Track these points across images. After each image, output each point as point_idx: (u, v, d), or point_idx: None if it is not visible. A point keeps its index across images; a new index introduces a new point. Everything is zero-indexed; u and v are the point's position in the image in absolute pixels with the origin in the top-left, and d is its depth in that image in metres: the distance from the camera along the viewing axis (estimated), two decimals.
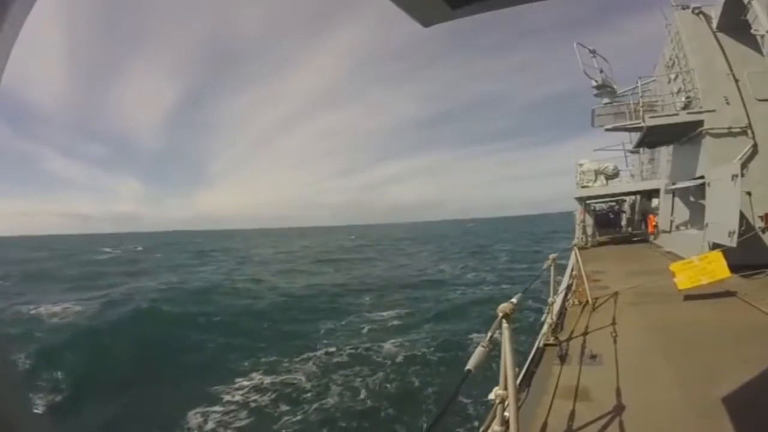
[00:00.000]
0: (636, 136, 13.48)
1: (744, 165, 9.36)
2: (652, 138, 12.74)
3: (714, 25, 10.83)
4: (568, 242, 16.27)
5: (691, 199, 12.26)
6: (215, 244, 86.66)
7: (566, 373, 4.30)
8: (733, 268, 6.74)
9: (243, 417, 9.77)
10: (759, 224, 8.92)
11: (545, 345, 5.26)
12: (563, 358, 4.74)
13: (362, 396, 10.37)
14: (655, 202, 16.65)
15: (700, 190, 10.39)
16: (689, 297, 6.68)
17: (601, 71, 12.78)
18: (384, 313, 18.49)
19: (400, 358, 12.52)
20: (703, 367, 4.05)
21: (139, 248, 74.40)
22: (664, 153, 15.08)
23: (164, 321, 17.46)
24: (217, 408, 10.14)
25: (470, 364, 2.22)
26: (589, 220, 18.59)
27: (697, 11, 11.30)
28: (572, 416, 3.38)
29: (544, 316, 6.17)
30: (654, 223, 15.78)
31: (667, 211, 14.15)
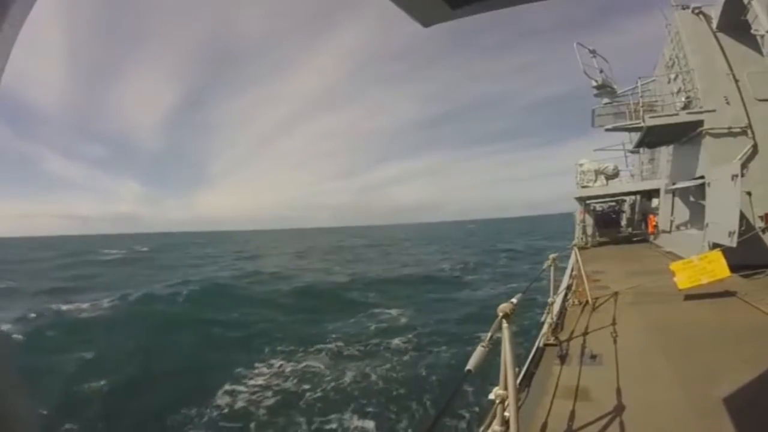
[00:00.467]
0: (636, 136, 13.49)
1: (744, 165, 9.36)
2: (652, 138, 12.74)
3: (714, 25, 10.84)
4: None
5: (691, 199, 12.27)
6: (222, 247, 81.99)
7: (566, 373, 4.30)
8: (733, 268, 6.74)
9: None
10: (759, 224, 8.92)
11: (545, 345, 5.26)
12: (563, 358, 4.73)
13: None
14: (655, 202, 16.66)
15: (700, 190, 10.40)
16: (689, 297, 6.69)
17: (601, 71, 12.78)
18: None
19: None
20: (703, 367, 4.05)
21: (144, 248, 74.93)
22: (664, 153, 15.09)
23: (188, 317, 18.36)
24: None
25: (470, 364, 2.22)
26: (589, 220, 18.59)
27: (697, 11, 11.31)
28: (572, 416, 3.38)
29: (544, 316, 6.18)
30: (654, 223, 15.78)
31: (667, 211, 14.15)
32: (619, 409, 3.39)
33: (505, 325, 2.66)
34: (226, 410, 9.92)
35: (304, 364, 12.70)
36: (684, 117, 10.70)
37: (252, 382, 11.54)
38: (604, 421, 3.24)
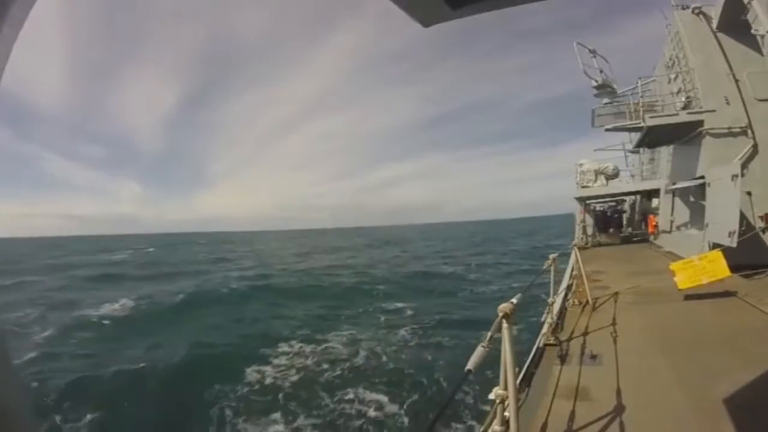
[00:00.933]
0: (636, 136, 13.49)
1: (744, 165, 9.36)
2: (652, 138, 12.74)
3: (714, 25, 10.84)
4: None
5: (691, 199, 12.26)
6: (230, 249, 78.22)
7: (566, 373, 4.30)
8: (734, 268, 6.74)
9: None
10: (759, 224, 8.92)
11: (545, 345, 5.26)
12: (563, 358, 4.73)
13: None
14: (655, 202, 16.66)
15: (700, 190, 10.39)
16: (689, 297, 6.69)
17: (601, 71, 12.79)
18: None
19: None
20: (703, 367, 4.05)
21: (150, 249, 75.72)
22: (664, 153, 15.09)
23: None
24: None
25: (470, 364, 2.22)
26: (589, 220, 18.58)
27: (697, 11, 11.32)
28: (572, 416, 3.38)
29: (544, 316, 6.17)
30: (654, 223, 15.77)
31: (667, 211, 14.15)
32: (619, 409, 3.39)
33: (505, 325, 2.66)
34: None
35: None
36: (684, 117, 10.70)
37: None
38: (604, 421, 3.24)
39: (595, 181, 18.17)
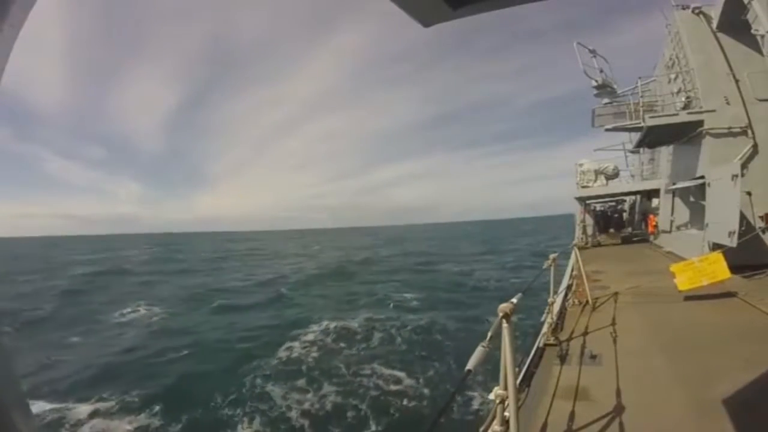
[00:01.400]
0: (636, 136, 13.49)
1: (744, 165, 9.36)
2: (652, 138, 12.74)
3: (714, 25, 10.83)
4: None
5: (691, 199, 12.26)
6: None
7: (566, 373, 4.30)
8: (734, 268, 6.74)
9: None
10: (759, 224, 8.92)
11: (545, 345, 5.26)
12: (563, 358, 4.73)
13: None
14: (655, 202, 16.66)
15: (700, 190, 10.39)
16: (689, 297, 6.68)
17: (601, 71, 12.79)
18: None
19: None
20: (703, 368, 4.04)
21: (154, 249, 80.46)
22: (664, 153, 15.08)
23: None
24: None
25: (470, 364, 2.22)
26: (589, 220, 18.58)
27: (697, 11, 11.31)
28: (572, 416, 3.38)
29: (544, 316, 6.17)
30: (654, 223, 15.77)
31: (667, 211, 14.15)
32: (619, 409, 3.39)
33: (505, 325, 2.66)
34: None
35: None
36: (684, 117, 10.70)
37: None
38: (603, 421, 3.24)
39: (595, 181, 18.18)
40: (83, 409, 9.88)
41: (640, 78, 12.98)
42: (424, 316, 17.64)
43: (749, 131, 9.85)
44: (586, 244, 17.04)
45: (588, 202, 19.02)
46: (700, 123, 10.40)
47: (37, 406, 9.79)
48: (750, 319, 5.45)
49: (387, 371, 11.57)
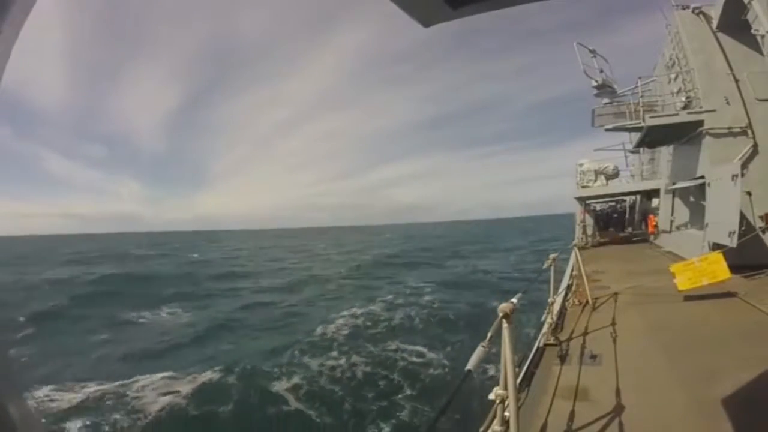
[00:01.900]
0: (636, 136, 13.48)
1: (744, 165, 9.35)
2: (652, 138, 12.73)
3: (714, 25, 10.82)
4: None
5: (691, 199, 12.26)
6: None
7: (566, 373, 4.30)
8: (734, 268, 6.73)
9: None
10: (759, 224, 8.91)
11: (545, 345, 5.26)
12: (563, 358, 4.73)
13: None
14: (655, 202, 16.66)
15: (700, 190, 10.39)
16: (689, 297, 6.68)
17: (601, 71, 12.77)
18: None
19: None
20: (703, 367, 4.04)
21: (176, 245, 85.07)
22: (664, 153, 15.08)
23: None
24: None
25: (470, 364, 2.22)
26: (589, 220, 18.58)
27: (697, 11, 11.30)
28: (572, 416, 3.38)
29: (544, 316, 6.17)
30: (654, 223, 15.77)
31: (667, 211, 14.15)
32: (619, 409, 3.39)
33: (505, 325, 2.66)
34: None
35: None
36: (684, 117, 10.69)
37: None
38: (603, 421, 3.24)
39: (595, 181, 18.17)
40: None
41: (640, 78, 12.96)
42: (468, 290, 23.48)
43: (749, 131, 9.84)
44: (586, 244, 17.04)
45: (588, 202, 19.01)
46: (700, 123, 10.39)
47: None
48: (750, 319, 5.45)
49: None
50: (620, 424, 3.17)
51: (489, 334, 2.45)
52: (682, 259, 9.15)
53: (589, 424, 3.25)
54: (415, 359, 12.64)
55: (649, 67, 15.37)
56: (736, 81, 10.19)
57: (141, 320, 20.08)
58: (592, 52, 12.76)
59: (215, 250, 74.66)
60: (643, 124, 11.47)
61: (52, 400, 10.46)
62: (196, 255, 59.88)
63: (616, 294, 7.51)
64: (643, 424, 3.18)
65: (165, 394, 10.55)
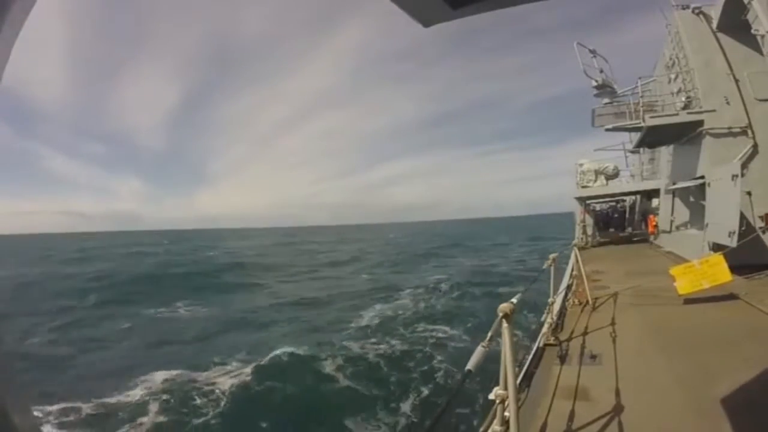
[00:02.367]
0: (636, 136, 13.48)
1: (744, 165, 9.34)
2: (652, 138, 12.73)
3: (714, 25, 10.82)
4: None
5: (691, 199, 12.25)
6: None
7: (566, 373, 4.30)
8: (734, 268, 6.71)
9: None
10: (759, 224, 8.91)
11: (545, 345, 5.26)
12: (563, 358, 4.73)
13: None
14: (655, 202, 16.65)
15: (700, 190, 10.39)
16: (689, 297, 6.67)
17: (601, 71, 12.76)
18: None
19: None
20: (703, 368, 4.04)
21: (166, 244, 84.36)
22: (664, 153, 15.08)
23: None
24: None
25: (470, 364, 2.22)
26: (589, 220, 18.58)
27: (697, 11, 11.29)
28: (572, 416, 3.38)
29: (544, 316, 6.17)
30: (654, 223, 15.77)
31: (667, 211, 14.14)
32: (619, 409, 3.39)
33: (505, 325, 2.66)
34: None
35: None
36: (684, 117, 10.69)
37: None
38: (603, 421, 3.24)
39: (595, 181, 18.17)
40: None
41: (640, 78, 12.96)
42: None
43: (749, 131, 9.84)
44: (586, 244, 17.05)
45: (588, 202, 19.01)
46: (700, 123, 10.39)
47: None
48: (750, 320, 5.45)
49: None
50: (620, 424, 3.17)
51: (489, 334, 2.45)
52: (682, 259, 9.16)
53: (589, 424, 3.25)
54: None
55: (649, 67, 15.37)
56: (736, 81, 10.18)
57: (253, 290, 27.31)
58: (592, 52, 12.75)
59: (251, 245, 77.83)
60: (643, 124, 11.46)
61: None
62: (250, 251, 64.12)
63: (616, 294, 7.50)
64: (642, 424, 3.18)
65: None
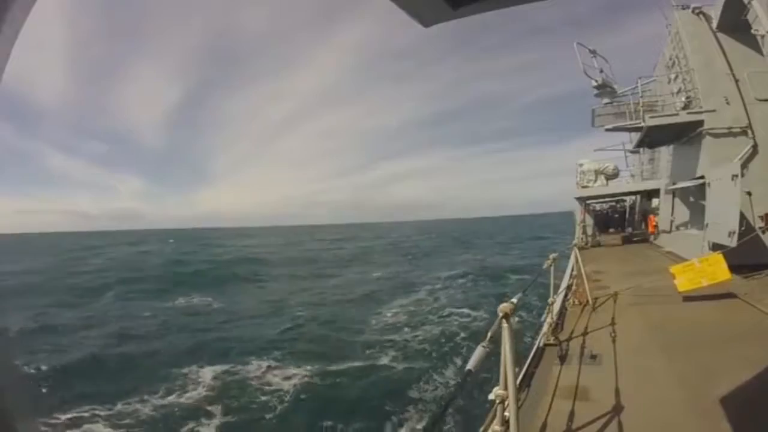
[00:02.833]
0: (636, 136, 13.48)
1: (744, 165, 9.35)
2: (652, 138, 12.74)
3: (714, 25, 10.82)
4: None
5: (691, 199, 12.25)
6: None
7: (566, 373, 4.31)
8: (733, 268, 6.72)
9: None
10: (759, 224, 8.91)
11: (545, 345, 5.27)
12: (563, 358, 4.74)
13: None
14: (655, 202, 16.65)
15: (700, 190, 10.39)
16: (689, 297, 6.68)
17: (601, 71, 12.77)
18: None
19: None
20: (703, 367, 4.04)
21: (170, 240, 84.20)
22: (664, 153, 15.08)
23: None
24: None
25: (470, 364, 2.22)
26: (589, 220, 18.58)
27: (697, 11, 11.30)
28: (572, 416, 3.38)
29: (544, 316, 6.18)
30: (654, 223, 15.77)
31: (667, 211, 14.15)
32: (619, 409, 3.39)
33: (505, 325, 2.66)
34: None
35: None
36: (684, 117, 10.69)
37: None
38: (603, 421, 3.25)
39: (595, 181, 18.17)
40: None
41: (640, 78, 12.97)
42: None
43: (749, 131, 9.84)
44: (586, 244, 17.05)
45: (588, 202, 19.01)
46: (700, 123, 10.39)
47: None
48: (750, 319, 5.45)
49: None
50: (620, 424, 3.17)
51: (489, 334, 2.45)
52: (682, 259, 9.15)
53: (589, 423, 3.25)
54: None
55: (649, 67, 15.38)
56: (736, 81, 10.19)
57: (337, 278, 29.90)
58: (592, 52, 12.76)
59: (269, 243, 78.30)
60: (643, 124, 11.47)
61: None
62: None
63: (615, 294, 7.51)
64: (642, 424, 3.18)
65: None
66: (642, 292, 7.55)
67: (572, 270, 9.52)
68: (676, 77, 12.07)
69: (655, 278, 8.10)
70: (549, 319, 5.81)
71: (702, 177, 10.23)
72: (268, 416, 9.33)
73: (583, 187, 18.10)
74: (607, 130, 12.76)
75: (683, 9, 11.61)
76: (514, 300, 2.80)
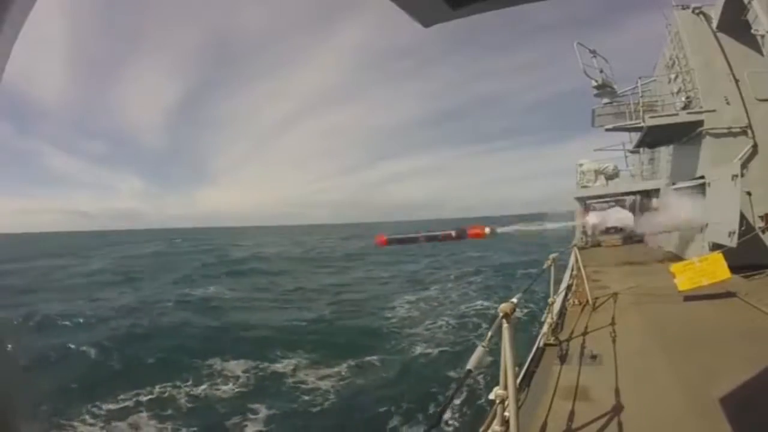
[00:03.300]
0: (636, 136, 13.49)
1: (744, 165, 9.35)
2: (652, 138, 12.74)
3: (714, 25, 10.82)
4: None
5: None
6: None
7: (566, 373, 4.31)
8: (734, 268, 6.73)
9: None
10: (759, 224, 8.92)
11: (545, 345, 5.27)
12: (563, 358, 4.74)
13: None
14: (655, 202, 16.65)
15: (700, 190, 10.40)
16: (689, 297, 6.68)
17: (601, 71, 12.77)
18: None
19: None
20: (703, 367, 4.05)
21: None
22: (664, 153, 15.08)
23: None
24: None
25: (470, 364, 2.22)
26: None
27: (697, 11, 11.29)
28: (572, 416, 3.38)
29: (544, 316, 6.18)
30: None
31: None
32: (619, 409, 3.39)
33: (505, 325, 2.66)
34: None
35: None
36: (684, 117, 10.69)
37: None
38: (603, 421, 3.25)
39: (595, 181, 18.17)
40: None
41: (640, 78, 12.97)
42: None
43: (749, 131, 9.84)
44: (586, 244, 17.05)
45: (588, 202, 19.01)
46: (700, 123, 10.39)
47: None
48: (750, 319, 5.45)
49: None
50: (620, 424, 3.17)
51: (489, 334, 2.45)
52: (682, 259, 9.16)
53: (589, 423, 3.25)
54: None
55: (649, 67, 15.38)
56: (736, 81, 10.19)
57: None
58: (592, 52, 12.76)
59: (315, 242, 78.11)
60: (643, 124, 11.47)
61: None
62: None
63: (615, 294, 7.51)
64: (642, 424, 3.18)
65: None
66: (642, 292, 7.55)
67: (572, 270, 9.53)
68: (676, 77, 12.07)
69: (654, 278, 8.10)
70: (549, 319, 5.81)
71: (702, 177, 10.23)
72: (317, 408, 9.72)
73: (583, 187, 18.10)
74: (607, 130, 12.76)
75: (683, 9, 11.60)
76: (514, 300, 2.80)
